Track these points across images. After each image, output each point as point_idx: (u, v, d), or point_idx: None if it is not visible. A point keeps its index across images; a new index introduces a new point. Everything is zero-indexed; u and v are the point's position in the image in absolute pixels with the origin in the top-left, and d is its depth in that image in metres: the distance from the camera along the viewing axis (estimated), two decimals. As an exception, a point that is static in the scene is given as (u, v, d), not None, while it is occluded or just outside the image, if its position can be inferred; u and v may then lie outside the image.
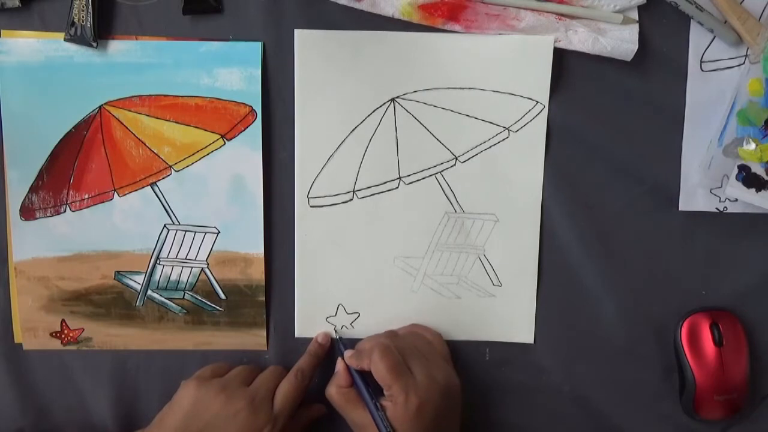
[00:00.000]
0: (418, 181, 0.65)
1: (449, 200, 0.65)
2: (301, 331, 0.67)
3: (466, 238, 0.66)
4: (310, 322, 0.67)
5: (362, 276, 0.66)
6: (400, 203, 0.65)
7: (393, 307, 0.67)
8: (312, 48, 0.63)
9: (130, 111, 0.64)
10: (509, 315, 0.67)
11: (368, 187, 0.65)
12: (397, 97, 0.64)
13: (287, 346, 0.67)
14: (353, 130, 0.64)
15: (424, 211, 0.66)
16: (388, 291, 0.66)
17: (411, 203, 0.65)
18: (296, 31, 0.63)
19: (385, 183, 0.65)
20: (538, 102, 0.64)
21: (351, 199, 0.65)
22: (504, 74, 0.64)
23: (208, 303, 0.66)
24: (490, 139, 0.65)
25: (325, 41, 0.63)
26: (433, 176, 0.65)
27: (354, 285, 0.66)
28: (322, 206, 0.65)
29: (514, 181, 0.65)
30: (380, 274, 0.66)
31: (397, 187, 0.65)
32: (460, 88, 0.64)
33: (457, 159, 0.65)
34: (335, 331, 0.66)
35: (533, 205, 0.66)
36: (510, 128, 0.64)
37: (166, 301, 0.66)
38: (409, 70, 0.64)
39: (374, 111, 0.64)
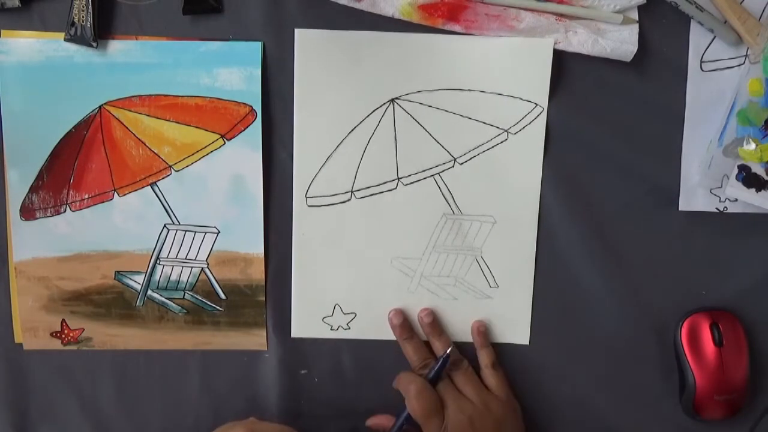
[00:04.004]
0: (416, 182, 0.65)
1: (447, 202, 0.65)
2: (297, 331, 0.67)
3: (463, 239, 0.66)
4: (307, 322, 0.67)
5: (359, 276, 0.66)
6: (398, 204, 0.65)
7: (390, 307, 0.66)
8: (312, 48, 0.63)
9: (130, 111, 0.64)
10: (506, 316, 0.67)
11: (366, 188, 0.65)
12: (397, 98, 0.64)
13: (287, 346, 0.67)
14: (352, 130, 0.64)
15: (422, 212, 0.65)
16: (386, 291, 0.66)
17: (409, 204, 0.65)
18: (296, 31, 0.63)
19: (383, 184, 0.65)
20: (537, 104, 0.64)
21: (349, 200, 0.65)
22: (503, 76, 0.64)
23: (208, 303, 0.66)
24: (488, 141, 0.65)
25: (325, 42, 0.63)
26: (432, 177, 0.65)
27: (351, 285, 0.66)
28: (320, 206, 0.65)
29: (512, 183, 0.65)
30: (377, 274, 0.66)
31: (396, 188, 0.65)
32: (460, 90, 0.64)
33: (455, 160, 0.65)
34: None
35: (531, 208, 0.66)
36: (509, 130, 0.64)
37: (166, 301, 0.66)
38: (408, 71, 0.64)
39: (373, 112, 0.64)
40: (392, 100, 0.64)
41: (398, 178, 0.65)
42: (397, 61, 0.63)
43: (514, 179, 0.65)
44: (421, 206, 0.65)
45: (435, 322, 0.66)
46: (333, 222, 0.65)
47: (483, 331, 0.66)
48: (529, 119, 0.64)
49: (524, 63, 0.63)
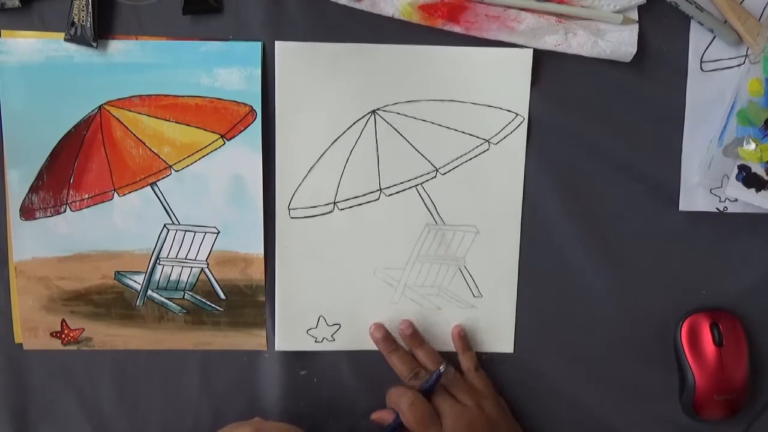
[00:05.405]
0: (398, 192, 0.65)
1: (430, 212, 0.65)
2: (281, 344, 0.67)
3: (446, 249, 0.66)
4: (291, 334, 0.66)
5: (343, 287, 0.66)
6: (380, 215, 0.65)
7: (374, 318, 0.66)
8: (293, 60, 0.63)
9: (130, 111, 0.64)
10: (489, 325, 0.67)
11: (349, 199, 0.65)
12: (378, 108, 0.64)
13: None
14: (334, 142, 0.64)
15: (405, 222, 0.65)
16: (369, 302, 0.66)
17: (392, 215, 0.65)
18: (277, 43, 0.62)
19: (366, 194, 0.65)
20: (518, 114, 0.64)
21: (332, 211, 0.65)
22: (484, 87, 0.64)
23: (208, 303, 0.66)
24: (470, 151, 0.65)
25: (306, 53, 0.63)
26: (414, 188, 0.65)
27: (335, 296, 0.66)
28: (302, 218, 0.65)
29: (494, 193, 0.65)
30: (361, 285, 0.66)
31: (378, 199, 0.65)
32: (441, 101, 0.64)
33: (437, 171, 0.65)
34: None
35: (513, 217, 0.66)
36: (490, 140, 0.64)
37: (166, 301, 0.66)
38: (390, 82, 0.63)
39: (355, 123, 0.64)
40: (373, 112, 0.64)
41: (381, 189, 0.65)
42: (378, 72, 0.63)
43: (496, 189, 0.65)
44: (403, 217, 0.65)
45: (415, 333, 0.66)
46: (316, 233, 0.65)
47: (463, 335, 0.66)
48: (509, 129, 0.64)
49: (504, 73, 0.63)
